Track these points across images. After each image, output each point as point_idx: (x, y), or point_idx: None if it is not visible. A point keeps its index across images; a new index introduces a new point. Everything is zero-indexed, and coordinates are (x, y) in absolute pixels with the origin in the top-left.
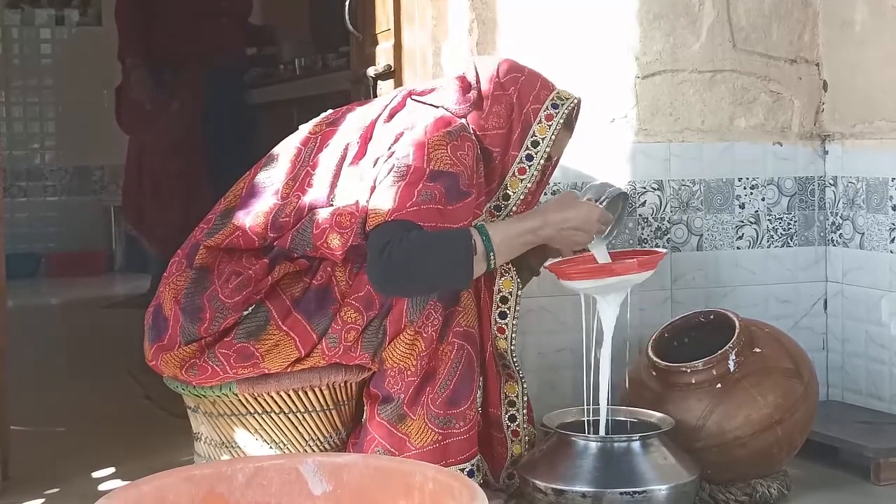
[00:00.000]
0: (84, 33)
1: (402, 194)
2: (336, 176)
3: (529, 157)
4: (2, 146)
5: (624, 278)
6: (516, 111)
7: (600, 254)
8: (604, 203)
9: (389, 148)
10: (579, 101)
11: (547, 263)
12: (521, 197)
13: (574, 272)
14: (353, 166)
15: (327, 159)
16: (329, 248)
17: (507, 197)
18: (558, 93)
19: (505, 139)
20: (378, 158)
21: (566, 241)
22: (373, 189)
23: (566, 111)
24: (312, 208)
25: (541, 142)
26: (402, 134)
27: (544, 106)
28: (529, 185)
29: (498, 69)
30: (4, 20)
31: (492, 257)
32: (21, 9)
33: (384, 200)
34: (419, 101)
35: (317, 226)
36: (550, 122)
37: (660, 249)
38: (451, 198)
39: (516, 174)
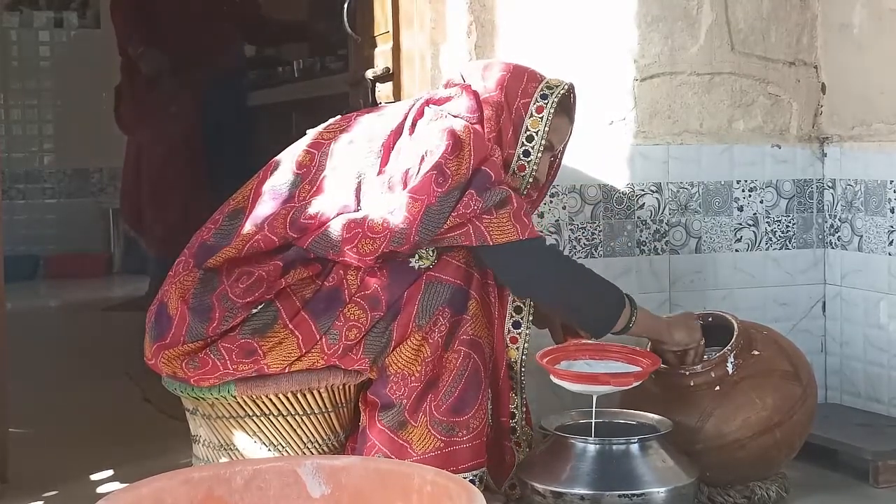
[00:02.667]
0: (83, 36)
1: (516, 212)
2: (360, 182)
3: (527, 153)
4: (0, 149)
5: (610, 387)
6: (505, 111)
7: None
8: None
9: (421, 163)
10: (570, 87)
11: (538, 354)
12: (525, 194)
13: (566, 376)
14: (380, 175)
15: (347, 166)
16: (358, 252)
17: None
18: (547, 82)
19: (498, 141)
20: (409, 171)
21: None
22: (475, 215)
23: (556, 99)
24: (340, 213)
25: (535, 135)
26: (427, 152)
27: (533, 98)
28: (531, 181)
29: (483, 72)
30: (3, 22)
31: (632, 321)
32: (20, 11)
33: (503, 219)
34: (439, 109)
35: (347, 229)
36: (542, 114)
37: (655, 356)
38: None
39: (516, 171)
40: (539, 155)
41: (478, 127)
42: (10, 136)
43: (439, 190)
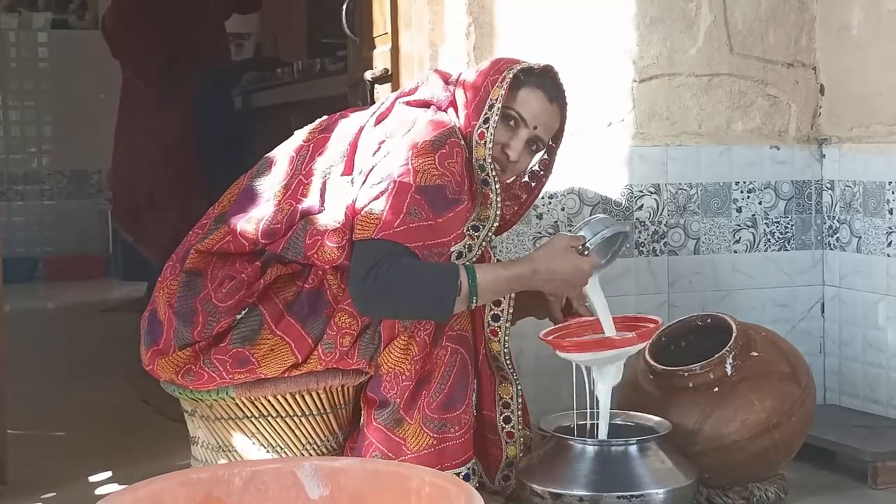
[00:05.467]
0: (81, 37)
1: (390, 210)
2: (325, 182)
3: (486, 120)
4: None
5: (620, 351)
6: (476, 92)
7: (594, 294)
8: (595, 246)
9: (373, 155)
10: (546, 66)
11: (541, 333)
12: (493, 166)
13: (569, 346)
14: (344, 176)
15: (318, 168)
16: (321, 259)
17: (482, 168)
18: (520, 63)
19: (468, 119)
20: (362, 169)
21: (555, 291)
22: (354, 202)
23: (517, 68)
24: (305, 216)
25: (495, 103)
26: (384, 141)
27: (502, 74)
28: (491, 147)
29: (474, 68)
30: (2, 24)
31: (474, 300)
32: (18, 13)
33: (371, 215)
34: (407, 104)
35: (309, 235)
36: (504, 83)
37: (656, 318)
38: (440, 209)
39: (477, 141)
40: (496, 119)
41: (442, 115)
42: (9, 138)
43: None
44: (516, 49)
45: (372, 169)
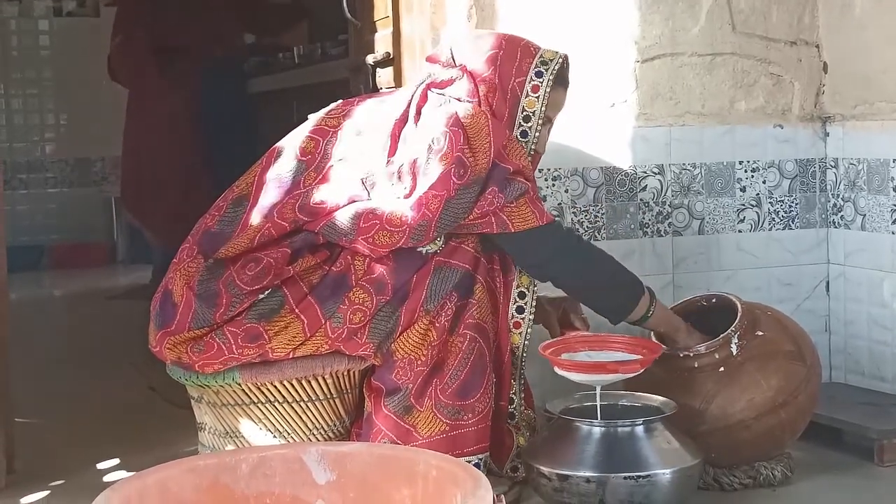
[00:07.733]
0: (82, 24)
1: (533, 195)
2: (369, 173)
3: (524, 134)
4: (1, 139)
5: (617, 375)
6: (499, 92)
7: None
8: None
9: (436, 148)
10: (565, 58)
11: (540, 347)
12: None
13: (569, 366)
14: (388, 165)
15: (355, 156)
16: (373, 243)
17: None
18: (541, 57)
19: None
20: (417, 159)
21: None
22: (498, 208)
23: (551, 77)
24: (351, 201)
25: (532, 115)
26: (437, 135)
27: (528, 77)
28: (530, 157)
29: (474, 48)
30: (2, 12)
31: (651, 311)
32: (19, 1)
33: (521, 204)
34: (441, 94)
35: (365, 219)
36: (538, 94)
37: (657, 343)
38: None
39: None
40: (537, 134)
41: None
42: (12, 126)
43: (459, 182)
44: (518, 31)
45: (456, 163)
